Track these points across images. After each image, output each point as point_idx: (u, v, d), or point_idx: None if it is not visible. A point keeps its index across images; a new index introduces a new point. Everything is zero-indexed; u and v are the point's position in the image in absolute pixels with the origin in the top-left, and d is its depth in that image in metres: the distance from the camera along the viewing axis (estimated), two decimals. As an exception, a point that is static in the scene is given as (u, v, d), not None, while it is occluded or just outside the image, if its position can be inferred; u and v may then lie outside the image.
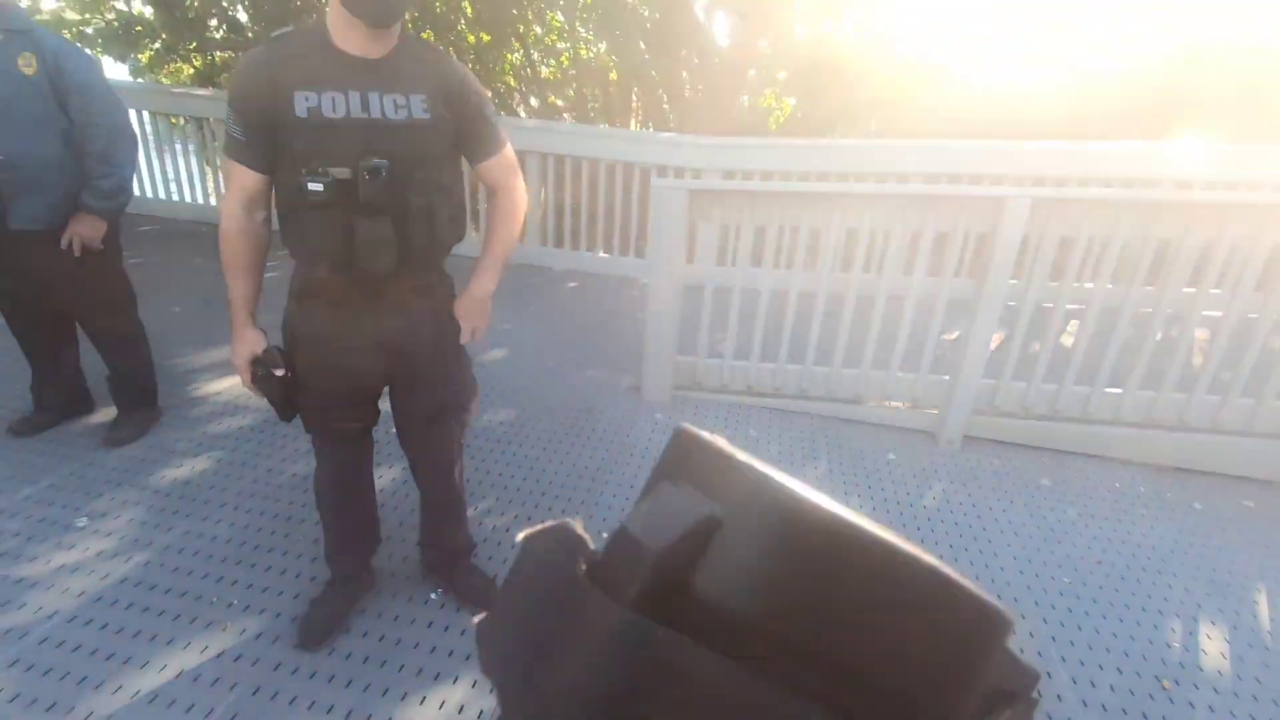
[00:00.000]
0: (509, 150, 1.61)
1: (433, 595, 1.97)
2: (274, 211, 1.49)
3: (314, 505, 1.80)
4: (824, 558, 0.23)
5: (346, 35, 1.36)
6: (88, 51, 2.44)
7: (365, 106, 1.36)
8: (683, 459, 0.26)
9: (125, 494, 2.30)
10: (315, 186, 1.32)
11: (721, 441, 0.26)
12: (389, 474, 2.46)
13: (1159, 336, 2.80)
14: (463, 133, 1.50)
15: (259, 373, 1.53)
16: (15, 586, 1.89)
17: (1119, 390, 2.89)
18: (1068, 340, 3.38)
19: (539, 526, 0.28)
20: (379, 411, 1.74)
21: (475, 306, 1.64)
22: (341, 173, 1.34)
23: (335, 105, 1.35)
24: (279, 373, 1.54)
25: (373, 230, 1.37)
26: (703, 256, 3.11)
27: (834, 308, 3.00)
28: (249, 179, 1.43)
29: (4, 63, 2.09)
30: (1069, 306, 2.92)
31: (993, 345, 2.88)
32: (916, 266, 2.88)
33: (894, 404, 3.14)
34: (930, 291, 2.91)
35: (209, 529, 2.17)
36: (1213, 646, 2.02)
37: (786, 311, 3.03)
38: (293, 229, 1.42)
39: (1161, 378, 2.84)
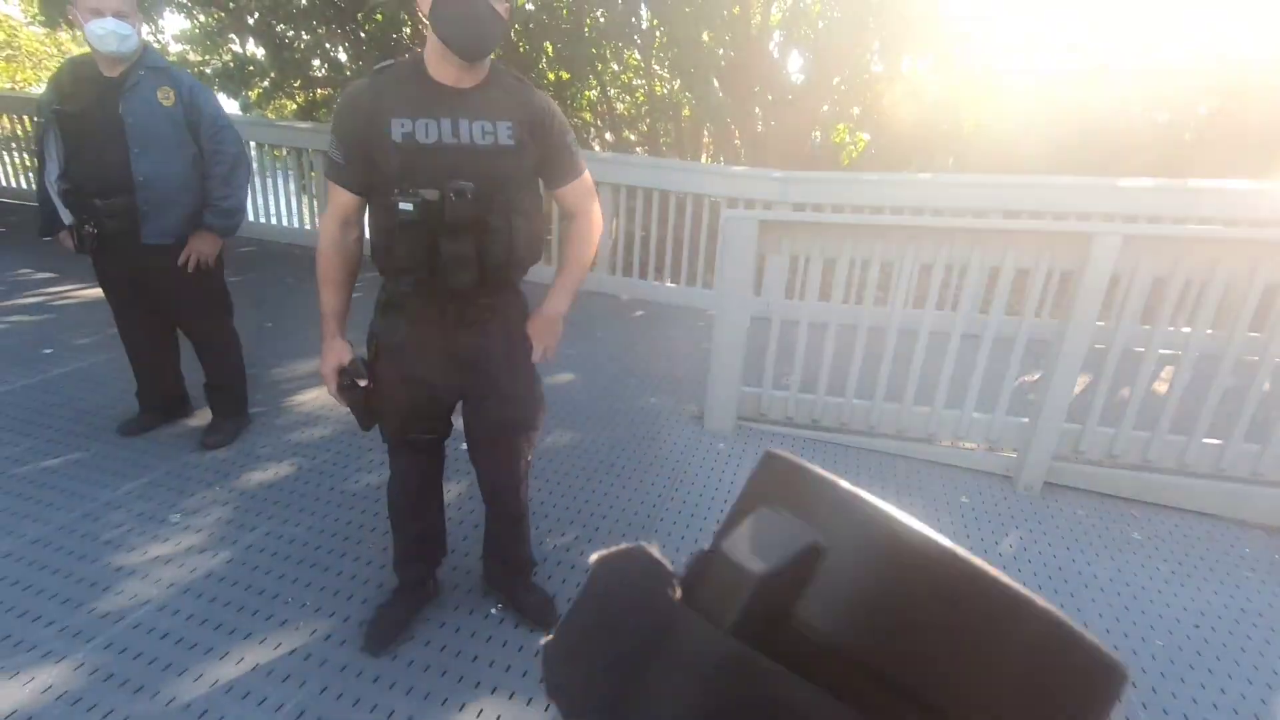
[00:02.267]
0: (587, 177, 1.66)
1: (493, 610, 2.00)
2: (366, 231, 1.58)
3: (383, 515, 1.87)
4: (931, 594, 0.22)
5: (441, 67, 1.45)
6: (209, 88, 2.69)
7: (455, 133, 1.44)
8: (776, 483, 0.26)
9: (215, 494, 2.44)
10: (406, 206, 1.40)
11: (818, 467, 0.25)
12: (455, 488, 2.53)
13: (1266, 387, 2.61)
14: (544, 159, 1.56)
15: (344, 382, 1.62)
16: (116, 574, 2.03)
17: (1219, 442, 2.69)
18: (1161, 387, 3.17)
19: (613, 549, 0.27)
20: (452, 424, 1.80)
21: (548, 326, 1.69)
22: (430, 194, 1.42)
23: (428, 131, 1.43)
24: (362, 383, 1.63)
25: (456, 248, 1.44)
26: (771, 288, 3.10)
27: (906, 343, 2.93)
28: (346, 199, 1.53)
29: (147, 95, 2.32)
30: (1162, 351, 2.75)
31: (1077, 389, 2.74)
32: (994, 304, 2.78)
33: (968, 445, 3.02)
34: (1009, 330, 2.80)
35: (288, 531, 2.27)
36: (1331, 728, 1.82)
37: (856, 346, 2.97)
38: (383, 246, 1.50)
39: (1269, 431, 2.63)
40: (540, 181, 1.62)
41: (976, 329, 2.84)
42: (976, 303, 2.80)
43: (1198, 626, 2.15)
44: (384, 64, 1.50)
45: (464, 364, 1.61)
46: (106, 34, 2.20)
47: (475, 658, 1.84)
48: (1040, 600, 0.22)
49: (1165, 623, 2.16)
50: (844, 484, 0.24)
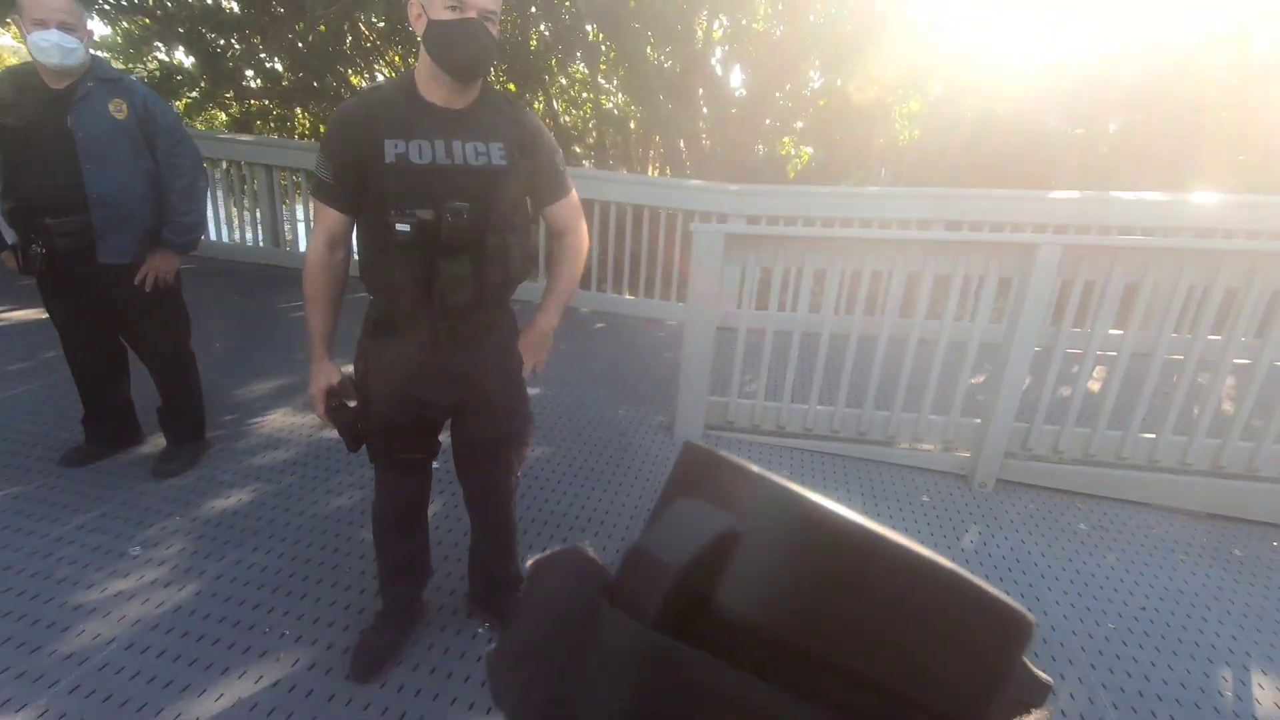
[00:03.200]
0: (574, 195, 1.69)
1: (480, 629, 1.98)
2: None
3: (359, 538, 1.84)
4: (844, 566, 0.22)
5: (433, 88, 1.46)
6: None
7: (449, 153, 1.45)
8: (694, 474, 0.26)
9: (176, 523, 2.33)
10: (403, 227, 1.40)
11: (732, 455, 0.26)
12: (433, 507, 2.48)
13: (1190, 382, 2.83)
14: (534, 178, 1.58)
15: (333, 403, 1.59)
16: (75, 613, 1.92)
17: (1153, 435, 2.90)
18: (1097, 386, 3.40)
19: (548, 552, 0.27)
20: (439, 444, 1.78)
21: (539, 340, 1.70)
22: (426, 214, 1.42)
23: (422, 152, 1.43)
24: (351, 403, 1.60)
25: (453, 268, 1.44)
26: (737, 298, 3.18)
27: (866, 350, 3.05)
28: (335, 220, 1.52)
29: (98, 108, 2.22)
30: (1099, 352, 2.96)
31: (1023, 389, 2.92)
32: (947, 310, 2.94)
33: (926, 446, 3.16)
34: (961, 335, 2.96)
35: (258, 559, 2.20)
36: (1265, 696, 1.99)
37: (818, 353, 3.08)
38: (376, 266, 1.49)
39: (1195, 423, 2.86)
40: (529, 200, 1.64)
41: (933, 335, 2.98)
42: (929, 309, 2.94)
43: (1143, 609, 2.31)
44: (373, 85, 1.49)
45: (456, 381, 1.61)
46: (50, 46, 2.10)
47: (466, 678, 1.82)
48: (946, 562, 0.22)
49: (1115, 607, 2.32)
50: (755, 469, 0.25)
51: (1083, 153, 7.49)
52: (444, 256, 1.43)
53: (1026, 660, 0.24)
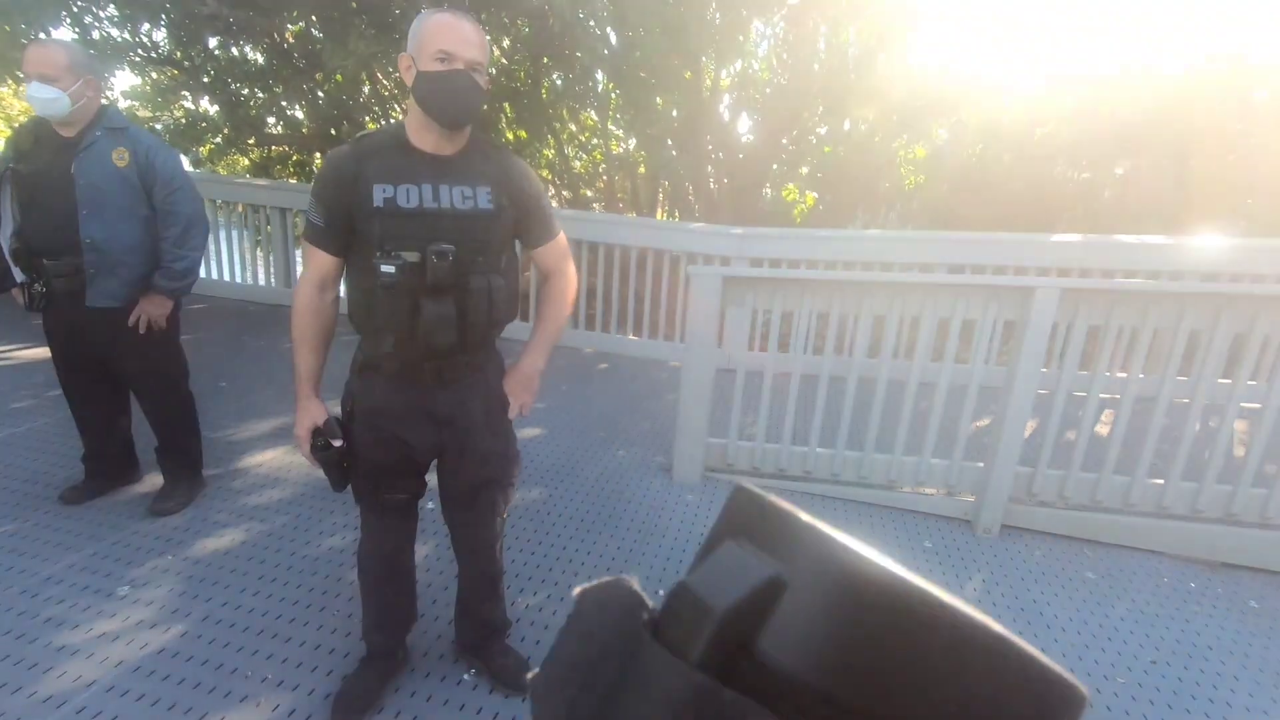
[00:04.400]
0: (562, 237, 1.72)
1: (465, 676, 1.94)
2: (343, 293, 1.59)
3: (347, 580, 1.82)
4: (890, 623, 0.22)
5: (423, 135, 1.50)
6: (174, 149, 2.67)
7: (436, 197, 1.48)
8: (743, 518, 0.26)
9: (167, 563, 2.33)
10: (388, 269, 1.42)
11: (784, 501, 0.26)
12: (421, 550, 2.46)
13: (1197, 427, 2.78)
14: (522, 221, 1.61)
15: (318, 443, 1.59)
16: (57, 654, 1.90)
17: (1161, 481, 2.83)
18: (1103, 430, 3.34)
19: (595, 582, 0.27)
20: (426, 484, 1.78)
21: (525, 382, 1.71)
22: (412, 256, 1.44)
23: (409, 196, 1.47)
24: (337, 443, 1.60)
25: (437, 309, 1.46)
26: (735, 340, 3.18)
27: (865, 392, 3.03)
28: (324, 261, 1.55)
29: (101, 156, 2.30)
30: (1102, 395, 2.92)
31: (1026, 433, 2.87)
32: (947, 353, 2.92)
33: (928, 491, 3.10)
34: (961, 378, 2.94)
35: (245, 601, 2.18)
36: (1285, 758, 1.90)
37: (818, 395, 3.06)
38: (363, 307, 1.51)
39: (1204, 469, 2.79)
40: (517, 242, 1.66)
41: (932, 377, 2.96)
42: (929, 352, 2.92)
43: (1154, 663, 2.23)
44: (364, 132, 1.54)
45: (441, 422, 1.61)
46: (31, 98, 2.21)
47: (449, 728, 1.77)
48: (996, 626, 0.22)
49: (1124, 660, 2.23)
50: (804, 516, 0.25)
51: (1089, 197, 7.53)
52: (428, 298, 1.45)
53: None
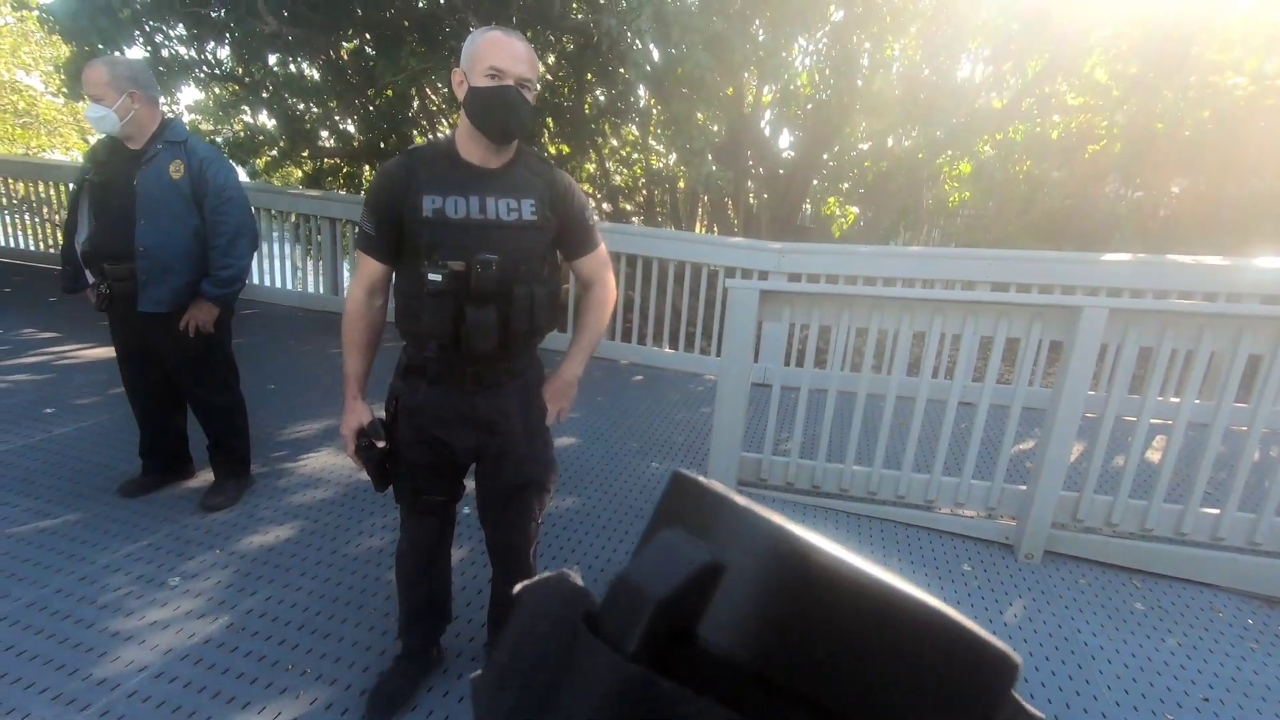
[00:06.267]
0: (603, 249, 1.75)
1: (497, 679, 1.96)
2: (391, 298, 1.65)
3: (385, 579, 1.87)
4: (825, 603, 0.22)
5: (471, 148, 1.55)
6: (230, 161, 2.79)
7: (483, 208, 1.53)
8: (681, 504, 0.26)
9: (215, 557, 2.42)
10: (434, 277, 1.47)
11: (719, 485, 0.25)
12: (457, 553, 2.51)
13: (1256, 455, 2.66)
14: (564, 233, 1.65)
15: (362, 443, 1.65)
16: (112, 639, 1.99)
17: (1216, 511, 2.72)
18: (1155, 455, 3.23)
19: (536, 578, 0.27)
20: (464, 487, 1.82)
21: (563, 389, 1.74)
22: (457, 265, 1.49)
23: (457, 207, 1.52)
24: (380, 444, 1.66)
25: (480, 316, 1.51)
26: (771, 355, 3.17)
27: (904, 410, 2.99)
28: (374, 269, 1.61)
29: (160, 168, 2.43)
30: (1154, 420, 2.82)
31: (1072, 456, 2.79)
32: (989, 372, 2.86)
33: (968, 512, 3.04)
34: (1003, 398, 2.87)
35: (289, 595, 2.25)
36: (1349, 807, 1.79)
37: (855, 412, 3.03)
38: (409, 313, 1.57)
39: (1264, 500, 2.67)
40: (559, 253, 1.70)
41: (973, 396, 2.90)
42: (970, 370, 2.87)
43: (1206, 700, 2.13)
44: (415, 145, 1.60)
45: (481, 425, 1.65)
46: (88, 117, 2.37)
47: (479, 729, 1.79)
48: (932, 600, 0.22)
49: (1175, 696, 2.14)
50: (740, 500, 0.24)
51: (1142, 215, 7.31)
52: (472, 305, 1.50)
53: (1019, 699, 0.24)
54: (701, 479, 0.26)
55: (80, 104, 7.15)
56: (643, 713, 0.21)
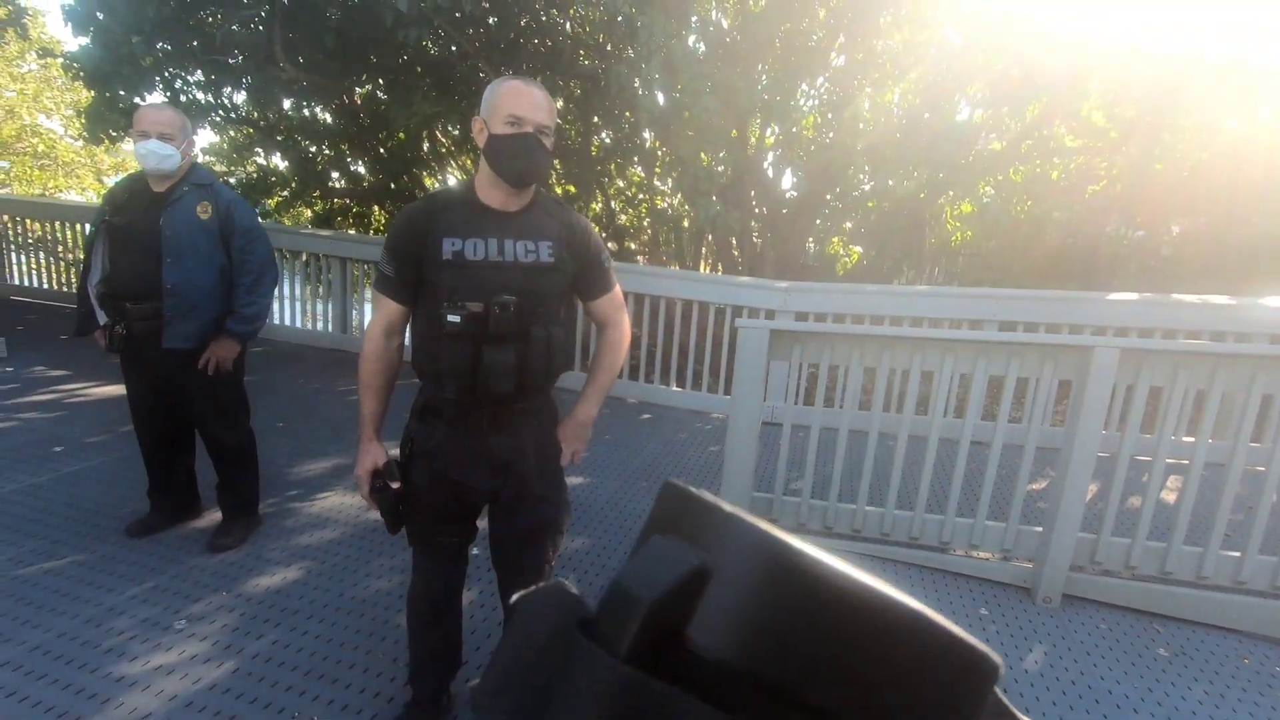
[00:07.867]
0: (618, 291, 1.77)
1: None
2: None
3: (394, 623, 1.84)
4: (811, 605, 0.23)
5: (490, 192, 1.58)
6: (249, 203, 2.86)
7: (501, 251, 1.55)
8: (672, 513, 0.27)
9: (221, 599, 2.38)
10: (453, 318, 1.49)
11: (708, 494, 0.26)
12: (467, 596, 2.47)
13: (1275, 497, 2.63)
14: (580, 275, 1.67)
15: (377, 484, 1.64)
16: (116, 685, 1.95)
17: (1237, 554, 2.68)
18: (1170, 496, 3.19)
19: (532, 588, 0.28)
20: (477, 529, 1.80)
21: (578, 430, 1.74)
22: (475, 306, 1.50)
23: (476, 250, 1.54)
24: (395, 485, 1.65)
25: (498, 356, 1.51)
26: (780, 394, 3.16)
27: (917, 450, 2.96)
28: (393, 310, 1.62)
29: (187, 209, 2.48)
30: (1169, 460, 2.79)
31: (1087, 496, 2.76)
32: (1001, 412, 2.85)
33: (983, 554, 2.99)
34: (1015, 437, 2.85)
35: (296, 640, 2.21)
36: None
37: (867, 452, 3.01)
38: (427, 354, 1.57)
39: (1284, 542, 2.63)
40: (576, 295, 1.72)
41: (982, 435, 2.89)
42: (980, 409, 2.85)
43: (1239, 752, 2.07)
44: (436, 190, 1.63)
45: (496, 467, 1.65)
46: (148, 153, 2.39)
47: (489, 781, 1.74)
48: (913, 602, 0.23)
49: (1205, 747, 2.08)
50: (727, 506, 0.25)
51: (1144, 254, 7.36)
52: (490, 346, 1.51)
53: (1003, 700, 0.24)
54: (691, 488, 0.27)
55: (99, 146, 7.29)
56: (635, 713, 0.22)
